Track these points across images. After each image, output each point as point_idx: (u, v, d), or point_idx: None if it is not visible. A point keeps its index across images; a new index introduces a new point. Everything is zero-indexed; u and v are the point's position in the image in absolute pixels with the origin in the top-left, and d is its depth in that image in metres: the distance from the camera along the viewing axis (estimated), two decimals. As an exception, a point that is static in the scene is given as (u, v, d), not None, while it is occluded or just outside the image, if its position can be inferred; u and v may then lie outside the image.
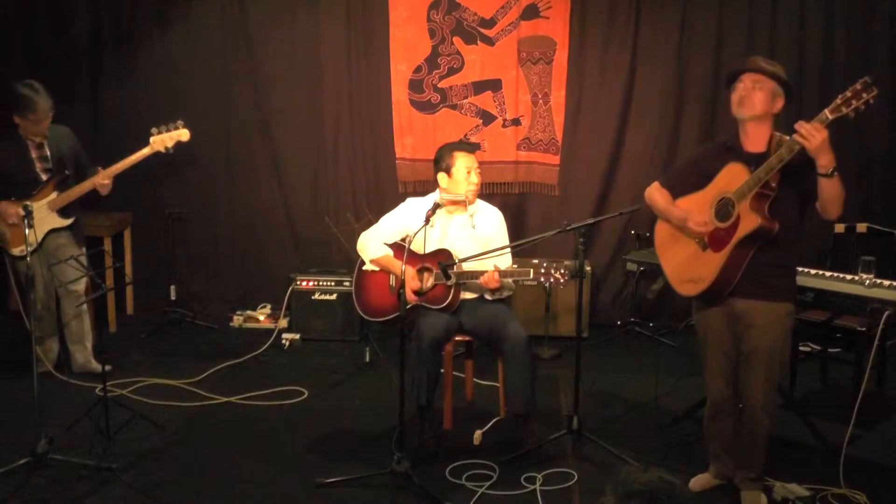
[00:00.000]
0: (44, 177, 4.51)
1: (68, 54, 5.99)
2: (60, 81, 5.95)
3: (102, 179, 4.52)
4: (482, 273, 3.83)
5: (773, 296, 3.13)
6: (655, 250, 3.48)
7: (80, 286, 4.66)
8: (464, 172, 3.99)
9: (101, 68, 6.04)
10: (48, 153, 4.54)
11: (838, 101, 2.81)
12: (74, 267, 4.35)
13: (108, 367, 4.55)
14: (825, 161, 2.86)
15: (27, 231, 3.68)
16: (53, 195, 4.52)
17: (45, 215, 4.49)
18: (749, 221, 3.05)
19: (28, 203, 4.15)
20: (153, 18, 6.00)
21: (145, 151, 4.58)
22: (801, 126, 2.84)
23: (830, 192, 2.93)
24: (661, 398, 4.39)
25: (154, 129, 4.60)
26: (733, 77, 3.16)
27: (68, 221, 4.58)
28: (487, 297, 4.00)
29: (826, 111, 2.83)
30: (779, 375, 3.28)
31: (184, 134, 4.62)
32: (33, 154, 4.51)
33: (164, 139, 4.58)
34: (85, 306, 4.73)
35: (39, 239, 4.41)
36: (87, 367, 4.75)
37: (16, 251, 4.44)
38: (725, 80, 3.23)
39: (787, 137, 3.04)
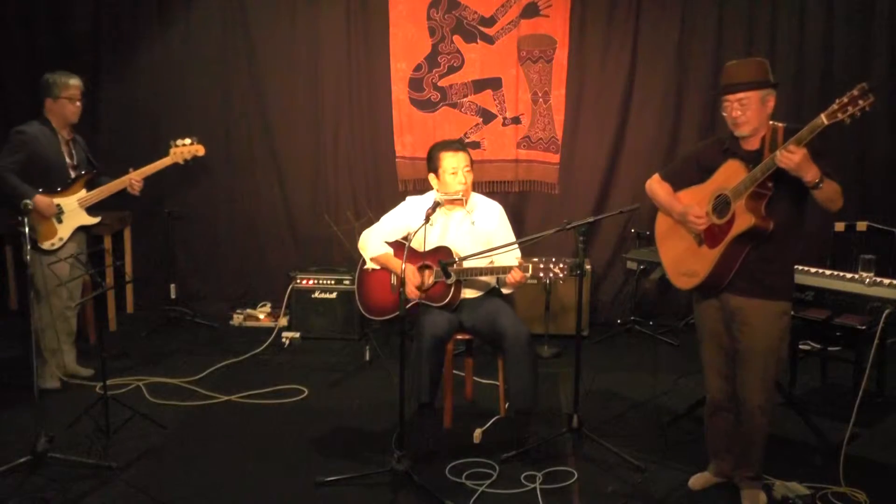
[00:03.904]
0: (71, 173, 4.52)
1: (68, 54, 5.99)
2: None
3: (135, 177, 4.58)
4: (481, 270, 3.85)
5: (769, 294, 3.13)
6: (656, 241, 3.49)
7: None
8: (450, 173, 3.96)
9: (101, 68, 6.04)
10: (73, 151, 4.56)
11: (835, 106, 2.82)
12: (73, 266, 4.38)
13: (90, 372, 4.70)
14: (809, 177, 2.91)
15: (57, 225, 4.02)
16: (83, 192, 4.52)
17: (75, 212, 4.49)
18: (743, 220, 3.06)
19: (59, 202, 4.36)
20: (153, 18, 6.01)
21: (166, 161, 4.69)
22: (778, 157, 2.89)
23: (824, 197, 2.97)
24: (661, 397, 4.40)
25: (172, 142, 4.72)
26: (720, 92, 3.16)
27: (96, 220, 4.58)
28: (505, 291, 4.01)
29: (822, 116, 2.84)
30: (776, 374, 3.27)
31: (199, 149, 4.79)
32: (63, 149, 4.52)
33: (184, 152, 4.73)
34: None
35: (68, 235, 4.46)
36: (73, 368, 4.71)
37: (46, 244, 4.42)
38: (715, 95, 3.21)
39: (781, 125, 3.04)
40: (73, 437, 3.85)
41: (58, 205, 4.41)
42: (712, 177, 3.21)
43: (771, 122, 3.12)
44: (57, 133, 4.47)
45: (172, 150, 4.71)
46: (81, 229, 4.54)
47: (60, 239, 4.42)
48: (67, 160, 4.51)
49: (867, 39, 5.60)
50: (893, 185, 5.68)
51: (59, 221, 4.41)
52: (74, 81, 4.51)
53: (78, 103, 4.52)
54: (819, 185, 2.91)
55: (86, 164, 4.61)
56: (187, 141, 4.74)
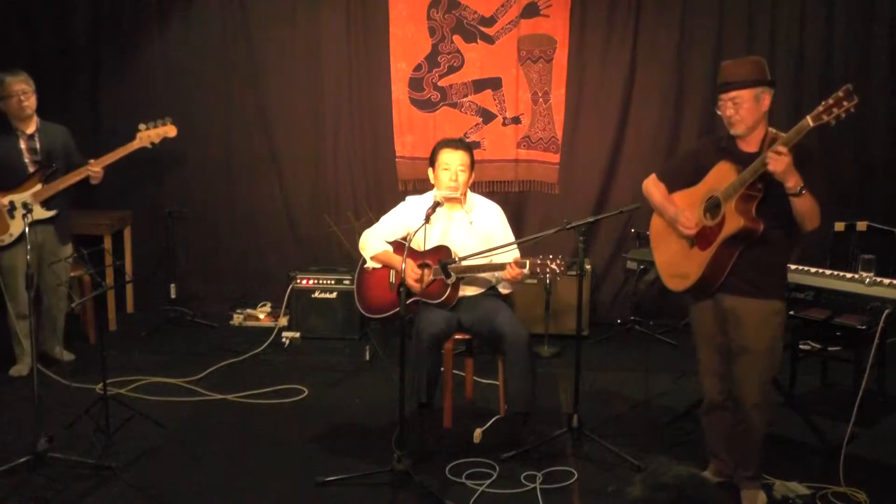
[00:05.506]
0: (32, 169, 4.59)
1: (68, 53, 5.99)
2: (60, 80, 5.98)
3: (94, 167, 4.61)
4: (479, 267, 3.84)
5: (761, 293, 3.13)
6: (650, 242, 3.50)
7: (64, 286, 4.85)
8: (443, 169, 3.97)
9: (100, 67, 6.04)
10: (38, 146, 4.62)
11: (820, 108, 2.86)
12: (69, 266, 4.43)
13: (71, 357, 4.89)
14: (791, 183, 2.93)
15: (10, 221, 4.10)
16: (38, 187, 4.56)
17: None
18: (733, 222, 3.07)
19: (12, 198, 4.46)
20: (153, 17, 6.00)
21: (133, 145, 4.71)
22: (767, 157, 2.90)
23: (801, 209, 2.99)
24: (660, 396, 4.40)
25: (142, 125, 4.74)
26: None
27: (50, 213, 4.60)
28: (503, 290, 4.01)
29: (808, 118, 2.88)
30: (772, 373, 3.26)
31: (170, 130, 4.77)
32: (23, 145, 4.59)
33: (151, 135, 4.73)
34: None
35: (20, 230, 4.51)
36: (55, 354, 4.85)
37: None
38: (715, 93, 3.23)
39: (783, 134, 3.05)
40: (73, 437, 3.85)
41: (10, 201, 4.50)
42: (704, 179, 3.22)
43: (772, 130, 3.12)
44: (15, 130, 4.56)
45: (139, 135, 4.70)
46: (43, 223, 4.58)
47: (10, 235, 4.53)
48: (27, 156, 4.58)
49: (867, 39, 5.60)
50: (893, 185, 5.68)
51: (12, 217, 4.50)
52: (11, 79, 4.56)
53: (22, 97, 4.54)
54: (800, 193, 2.93)
55: (48, 158, 4.62)
56: (158, 122, 4.72)
